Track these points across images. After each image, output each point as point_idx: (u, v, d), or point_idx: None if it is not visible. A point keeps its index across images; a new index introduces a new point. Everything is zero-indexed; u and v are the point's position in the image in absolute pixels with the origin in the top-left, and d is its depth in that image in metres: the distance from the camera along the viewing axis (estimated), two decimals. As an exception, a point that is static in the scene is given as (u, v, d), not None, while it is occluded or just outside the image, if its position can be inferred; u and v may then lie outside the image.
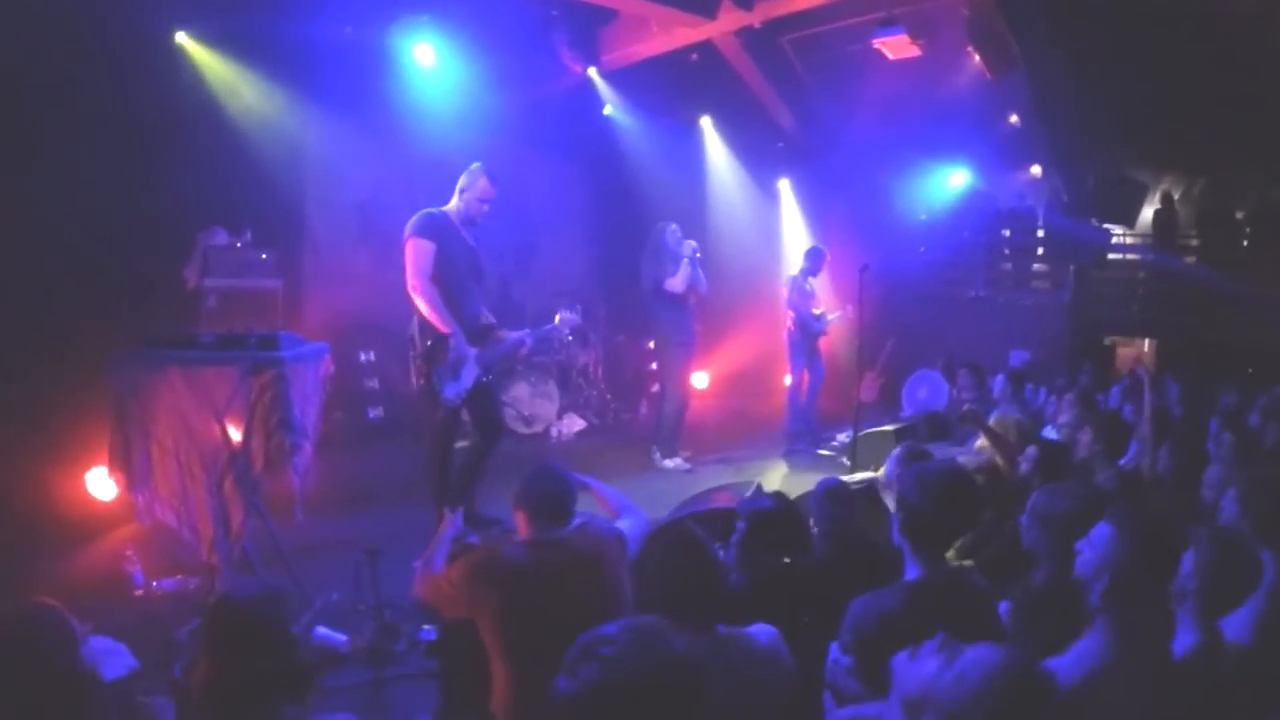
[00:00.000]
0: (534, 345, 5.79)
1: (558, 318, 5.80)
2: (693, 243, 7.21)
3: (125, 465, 4.21)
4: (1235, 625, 2.50)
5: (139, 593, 4.34)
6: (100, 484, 5.11)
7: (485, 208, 5.14)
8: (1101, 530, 2.32)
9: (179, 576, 4.45)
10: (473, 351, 4.99)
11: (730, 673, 2.25)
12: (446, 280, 4.95)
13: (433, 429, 5.15)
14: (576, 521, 2.96)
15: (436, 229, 4.94)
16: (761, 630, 2.48)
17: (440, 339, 4.86)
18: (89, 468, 5.15)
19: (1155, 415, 4.78)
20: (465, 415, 5.33)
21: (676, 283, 7.07)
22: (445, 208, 5.10)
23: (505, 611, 2.71)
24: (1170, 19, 7.25)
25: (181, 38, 6.77)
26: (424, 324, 4.91)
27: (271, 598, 2.11)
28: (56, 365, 5.48)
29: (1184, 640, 2.31)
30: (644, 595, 2.46)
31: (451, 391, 4.92)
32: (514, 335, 5.41)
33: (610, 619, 1.72)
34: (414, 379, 5.00)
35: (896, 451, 3.78)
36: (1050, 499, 2.89)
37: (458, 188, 5.11)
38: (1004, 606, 2.70)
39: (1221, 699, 2.25)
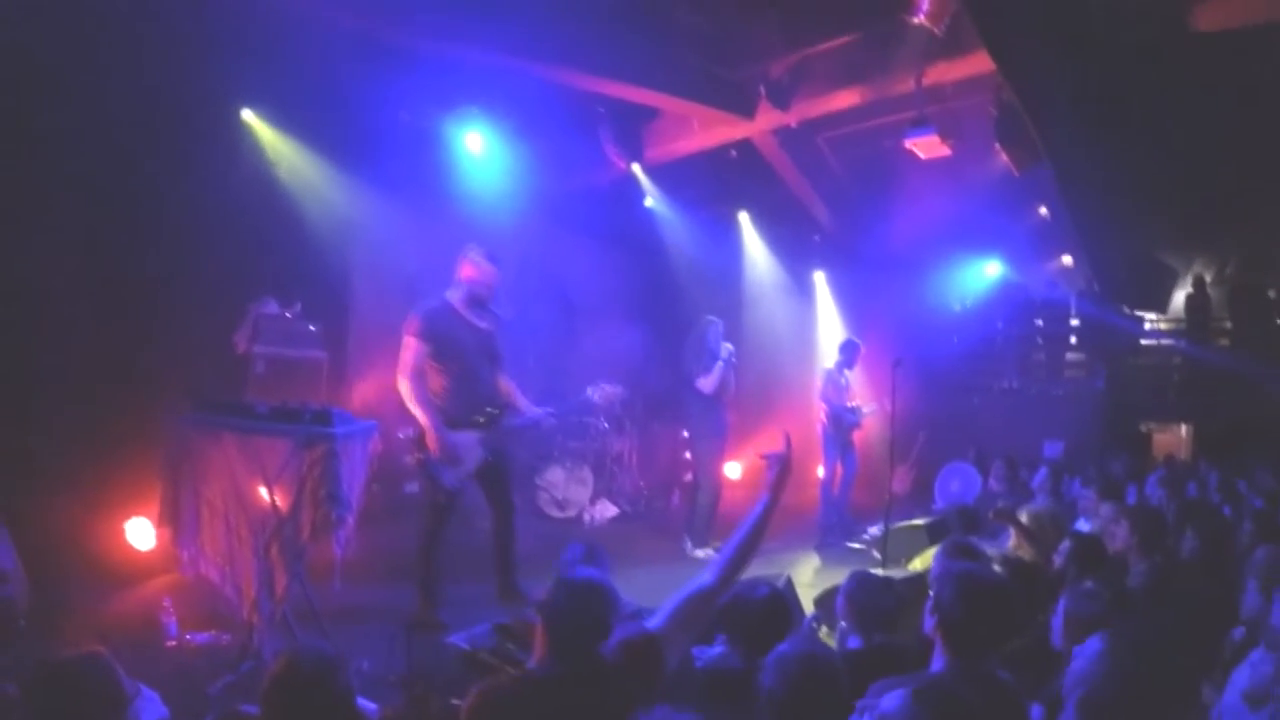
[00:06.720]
0: (561, 417, 5.77)
1: (589, 390, 5.85)
2: (729, 346, 7.31)
3: (174, 520, 4.33)
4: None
5: (171, 644, 4.34)
6: (139, 533, 5.20)
7: (490, 289, 5.13)
8: (1094, 643, 2.32)
9: (212, 631, 4.46)
10: (473, 435, 5.00)
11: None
12: (456, 368, 4.98)
13: (426, 510, 5.07)
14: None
15: (433, 326, 4.93)
16: None
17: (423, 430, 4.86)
18: (129, 517, 5.24)
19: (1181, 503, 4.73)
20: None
21: (707, 384, 7.16)
22: (447, 293, 5.12)
23: None
24: (1195, 101, 7.34)
25: (247, 115, 7.14)
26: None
27: (334, 662, 2.17)
28: (104, 417, 5.62)
29: None
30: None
31: (451, 478, 4.92)
32: (534, 411, 5.34)
33: None
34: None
35: (942, 545, 3.79)
36: (1077, 602, 2.89)
37: (457, 274, 5.15)
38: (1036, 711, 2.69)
39: None
